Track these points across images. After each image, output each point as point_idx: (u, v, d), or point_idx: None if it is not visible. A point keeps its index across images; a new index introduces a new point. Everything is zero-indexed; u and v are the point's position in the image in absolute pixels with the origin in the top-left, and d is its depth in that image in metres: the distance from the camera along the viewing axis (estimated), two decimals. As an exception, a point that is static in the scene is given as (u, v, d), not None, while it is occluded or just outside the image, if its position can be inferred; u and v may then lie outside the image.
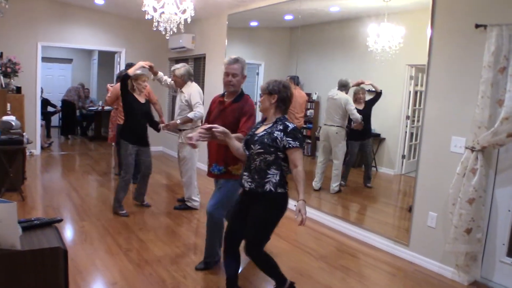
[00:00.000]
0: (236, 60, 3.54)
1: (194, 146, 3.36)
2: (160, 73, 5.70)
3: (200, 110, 5.24)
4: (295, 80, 6.26)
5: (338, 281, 3.78)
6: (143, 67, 5.21)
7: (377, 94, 5.34)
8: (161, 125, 5.45)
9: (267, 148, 2.92)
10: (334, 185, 5.78)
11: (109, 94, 6.53)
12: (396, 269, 4.13)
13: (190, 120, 5.28)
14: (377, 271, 4.07)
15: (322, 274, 3.91)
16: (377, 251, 4.55)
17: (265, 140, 2.93)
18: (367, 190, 5.71)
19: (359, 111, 5.53)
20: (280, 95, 3.00)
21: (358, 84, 5.51)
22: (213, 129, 3.02)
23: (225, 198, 3.66)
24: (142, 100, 5.23)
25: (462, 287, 3.80)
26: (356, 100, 5.54)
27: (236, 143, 3.13)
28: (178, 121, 5.29)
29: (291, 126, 2.95)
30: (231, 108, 3.57)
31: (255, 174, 2.98)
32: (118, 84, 5.54)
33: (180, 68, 5.40)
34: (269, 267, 3.13)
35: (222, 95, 3.72)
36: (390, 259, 4.37)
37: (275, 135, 2.93)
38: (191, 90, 5.37)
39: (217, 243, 3.82)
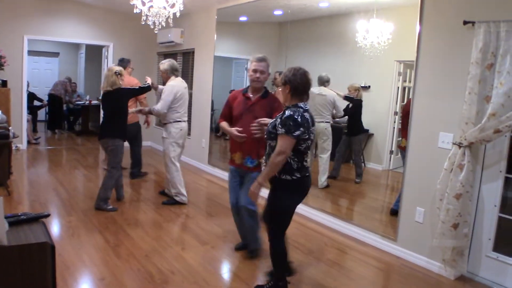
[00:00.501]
0: (264, 59, 3.79)
1: (243, 137, 3.75)
2: (160, 86, 5.82)
3: (158, 106, 5.35)
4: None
5: (325, 276, 3.80)
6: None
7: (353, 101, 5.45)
8: (133, 109, 5.71)
9: (269, 134, 3.12)
10: (323, 180, 5.80)
11: None
12: (384, 263, 4.16)
13: (150, 112, 5.52)
14: (364, 266, 4.10)
15: (309, 268, 3.93)
16: (365, 246, 4.58)
17: (269, 126, 3.15)
18: (356, 185, 5.73)
19: (348, 107, 5.55)
20: (292, 84, 3.07)
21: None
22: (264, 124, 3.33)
23: None
24: None
25: (448, 281, 3.84)
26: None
27: None
28: (146, 109, 5.58)
29: (287, 113, 3.01)
30: (260, 104, 3.80)
31: (267, 159, 3.16)
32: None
33: (164, 63, 5.52)
34: (276, 255, 3.27)
35: (245, 91, 3.90)
36: (378, 254, 4.40)
37: (276, 121, 3.08)
38: (169, 84, 5.47)
39: (259, 230, 4.03)
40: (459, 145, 3.68)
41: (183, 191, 5.62)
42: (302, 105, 3.07)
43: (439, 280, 3.87)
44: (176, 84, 5.45)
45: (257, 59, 3.78)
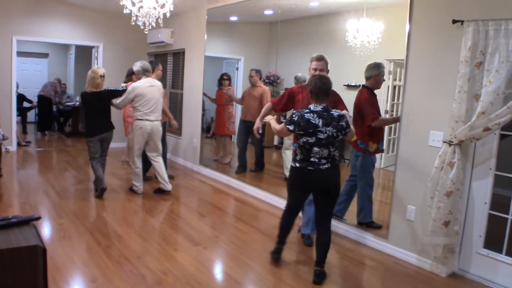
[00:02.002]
0: (322, 58, 4.18)
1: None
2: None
3: (116, 101, 5.79)
4: (260, 73, 6.40)
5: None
6: None
7: None
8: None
9: None
10: None
11: None
12: (376, 262, 4.18)
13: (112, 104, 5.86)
14: (356, 264, 4.11)
15: (302, 267, 3.93)
16: (356, 245, 4.59)
17: None
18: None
19: None
20: (309, 88, 3.59)
21: None
22: None
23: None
24: None
25: (440, 278, 3.87)
26: None
27: None
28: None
29: (295, 111, 3.61)
30: None
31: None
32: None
33: (136, 65, 5.85)
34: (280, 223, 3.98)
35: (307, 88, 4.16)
36: (369, 252, 4.41)
37: None
38: (132, 84, 5.83)
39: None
40: (449, 143, 3.70)
41: (138, 183, 6.02)
42: (312, 107, 3.52)
43: (430, 277, 3.89)
44: (139, 84, 5.71)
45: (316, 58, 4.18)
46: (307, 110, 3.50)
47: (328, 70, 4.20)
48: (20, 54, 9.86)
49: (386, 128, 5.12)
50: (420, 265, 4.08)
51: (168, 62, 9.07)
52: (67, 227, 4.60)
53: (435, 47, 3.93)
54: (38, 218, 2.51)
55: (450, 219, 3.75)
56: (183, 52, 8.41)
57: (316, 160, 3.50)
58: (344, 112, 3.65)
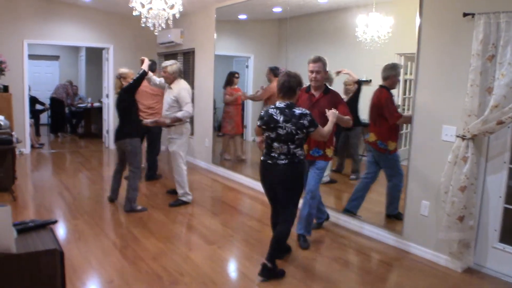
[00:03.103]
0: (319, 59, 4.20)
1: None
2: (150, 73, 5.67)
3: (189, 109, 5.30)
4: (274, 71, 6.33)
5: (332, 271, 3.81)
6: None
7: (357, 85, 5.36)
8: (149, 121, 5.50)
9: None
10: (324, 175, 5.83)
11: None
12: (390, 258, 4.17)
13: (179, 120, 5.32)
14: (372, 261, 4.11)
15: (318, 266, 3.94)
16: (370, 241, 4.58)
17: None
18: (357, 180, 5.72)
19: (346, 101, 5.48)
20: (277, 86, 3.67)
21: (338, 73, 5.50)
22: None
23: (321, 176, 4.39)
24: None
25: (456, 274, 3.85)
26: (346, 91, 5.51)
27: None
28: (168, 121, 5.33)
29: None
30: (324, 99, 4.22)
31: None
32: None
33: (173, 65, 5.43)
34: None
35: (308, 90, 4.34)
36: (384, 248, 4.40)
37: None
38: (181, 87, 5.38)
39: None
40: (463, 138, 3.67)
41: (188, 191, 5.64)
42: (277, 103, 3.60)
43: (446, 272, 3.87)
44: (187, 86, 5.50)
45: (312, 60, 4.21)
46: (273, 106, 3.60)
47: (327, 71, 4.27)
48: (31, 57, 9.95)
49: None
50: (435, 261, 4.06)
51: (178, 62, 9.07)
52: (82, 228, 4.64)
53: (446, 41, 3.90)
54: (55, 222, 2.55)
55: (464, 214, 3.72)
56: (193, 52, 8.43)
57: (276, 155, 3.59)
58: (307, 111, 3.58)
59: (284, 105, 3.55)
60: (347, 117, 4.11)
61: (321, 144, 4.23)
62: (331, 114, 3.90)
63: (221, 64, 7.76)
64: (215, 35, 7.54)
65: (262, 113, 3.65)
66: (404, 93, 4.99)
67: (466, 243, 3.83)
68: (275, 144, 3.57)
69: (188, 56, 8.74)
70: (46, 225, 2.48)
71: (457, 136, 3.74)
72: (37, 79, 12.86)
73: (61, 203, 5.51)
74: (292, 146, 3.54)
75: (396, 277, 3.81)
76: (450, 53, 3.87)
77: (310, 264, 3.96)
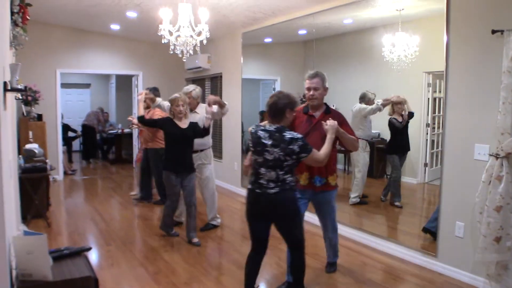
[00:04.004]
0: (316, 75, 3.77)
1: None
2: (158, 99, 5.65)
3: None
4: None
5: (367, 296, 3.74)
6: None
7: (410, 115, 5.24)
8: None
9: None
10: (353, 196, 5.74)
11: None
12: (426, 281, 4.07)
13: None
14: (406, 284, 4.01)
15: (350, 289, 3.88)
16: (405, 264, 4.49)
17: None
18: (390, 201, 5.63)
19: (399, 123, 5.40)
20: None
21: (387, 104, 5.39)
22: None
23: (335, 208, 4.08)
24: (183, 125, 4.96)
25: (495, 297, 3.73)
26: (394, 111, 5.39)
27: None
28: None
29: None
30: (326, 120, 3.63)
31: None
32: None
33: (196, 90, 5.45)
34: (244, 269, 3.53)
35: (306, 110, 3.87)
36: (418, 271, 4.30)
37: None
38: (202, 110, 5.34)
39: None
40: (496, 156, 3.59)
41: (218, 214, 5.67)
42: (267, 125, 3.27)
43: (484, 296, 3.75)
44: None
45: (308, 76, 3.79)
46: (262, 127, 3.28)
47: (327, 88, 3.83)
48: (63, 85, 10.24)
49: (428, 141, 5.03)
50: (472, 283, 3.94)
51: (206, 87, 9.21)
52: (115, 254, 4.69)
53: (475, 58, 3.86)
54: (89, 249, 2.59)
55: (501, 234, 3.62)
56: (221, 76, 8.55)
57: (265, 183, 3.21)
58: (299, 135, 3.22)
59: (274, 128, 3.21)
60: (352, 136, 3.75)
61: (323, 171, 3.77)
62: (330, 127, 3.51)
63: (248, 87, 7.83)
64: (241, 59, 7.64)
65: (252, 131, 3.34)
66: (434, 112, 4.93)
67: (504, 264, 3.71)
68: (262, 170, 3.22)
69: (215, 81, 8.86)
70: (80, 252, 2.53)
71: (490, 155, 3.66)
72: (69, 107, 13.20)
73: (94, 229, 5.59)
74: (281, 173, 3.18)
75: (432, 300, 3.71)
76: (480, 70, 3.82)
77: (341, 287, 3.90)
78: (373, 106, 5.43)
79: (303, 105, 3.95)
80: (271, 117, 3.27)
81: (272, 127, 3.23)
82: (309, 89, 3.77)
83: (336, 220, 4.13)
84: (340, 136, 3.61)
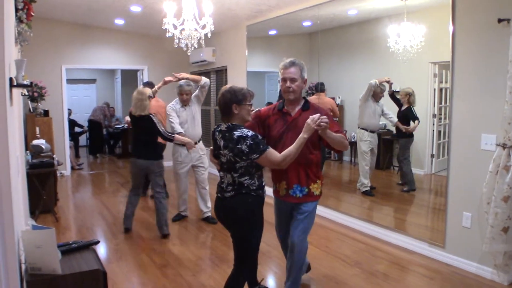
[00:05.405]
0: (292, 63, 3.18)
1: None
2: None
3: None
4: (318, 87, 6.18)
5: (374, 287, 3.74)
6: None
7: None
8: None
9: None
10: (358, 184, 5.82)
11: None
12: (433, 272, 4.07)
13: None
14: (414, 275, 4.02)
15: (357, 281, 3.88)
16: (412, 255, 4.49)
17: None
18: (398, 192, 5.63)
19: (401, 111, 5.41)
20: None
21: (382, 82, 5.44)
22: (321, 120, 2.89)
23: (311, 224, 3.36)
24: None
25: (502, 287, 3.72)
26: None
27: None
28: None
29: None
30: (304, 118, 3.03)
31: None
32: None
33: (193, 86, 5.54)
34: None
35: (281, 107, 3.32)
36: (426, 262, 4.30)
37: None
38: (193, 101, 5.56)
39: (303, 269, 3.53)
40: (503, 146, 3.57)
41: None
42: (221, 125, 2.96)
43: (492, 286, 3.75)
44: None
45: (284, 65, 3.20)
46: (219, 128, 2.97)
47: (306, 79, 3.24)
48: (69, 81, 10.29)
49: (435, 132, 5.01)
50: (480, 274, 3.94)
51: (211, 80, 9.21)
52: (123, 247, 4.72)
53: (481, 47, 3.83)
54: (97, 243, 2.61)
55: (509, 225, 3.61)
56: (226, 69, 8.55)
57: (224, 187, 2.95)
58: (250, 133, 2.82)
59: (226, 127, 2.90)
60: (339, 134, 3.14)
61: (303, 178, 3.23)
62: (306, 124, 2.91)
63: (253, 80, 7.82)
64: (246, 52, 7.63)
65: (212, 131, 3.04)
66: (440, 102, 4.91)
67: (512, 254, 3.71)
68: (221, 173, 2.99)
69: (220, 74, 8.85)
70: (88, 246, 2.55)
71: (497, 145, 3.65)
72: (76, 103, 13.24)
73: (102, 223, 5.62)
74: (235, 175, 2.87)
75: (440, 291, 3.71)
76: (486, 60, 3.79)
77: (351, 280, 3.90)
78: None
79: (278, 101, 3.46)
80: (222, 116, 2.97)
81: (224, 126, 2.92)
82: (284, 80, 3.19)
83: (306, 239, 3.36)
84: (324, 136, 3.04)
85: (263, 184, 3.02)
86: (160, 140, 5.05)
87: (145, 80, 9.56)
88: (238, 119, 2.91)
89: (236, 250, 3.06)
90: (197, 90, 5.52)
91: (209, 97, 9.11)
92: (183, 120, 5.41)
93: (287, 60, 3.20)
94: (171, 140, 5.03)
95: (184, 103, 5.45)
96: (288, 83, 3.18)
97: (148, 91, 5.08)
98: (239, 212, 2.91)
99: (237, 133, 2.79)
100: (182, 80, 5.46)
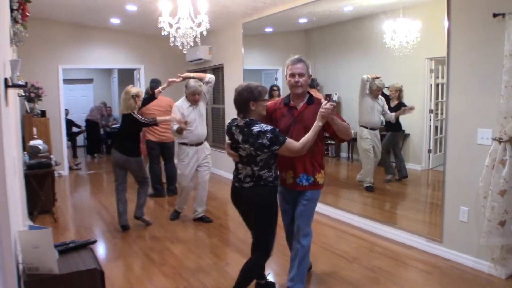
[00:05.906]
0: (300, 60, 3.36)
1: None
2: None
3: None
4: (312, 82, 6.21)
5: (372, 283, 3.75)
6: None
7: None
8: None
9: None
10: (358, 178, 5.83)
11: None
12: (431, 266, 4.08)
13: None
14: (411, 270, 4.03)
15: (356, 276, 3.89)
16: (410, 249, 4.50)
17: None
18: (396, 187, 5.64)
19: (391, 108, 5.46)
20: None
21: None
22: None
23: (313, 211, 3.50)
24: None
25: (499, 281, 3.73)
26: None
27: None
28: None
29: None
30: (309, 111, 3.33)
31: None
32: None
33: (202, 85, 5.44)
34: None
35: (287, 101, 3.48)
36: (424, 256, 4.32)
37: None
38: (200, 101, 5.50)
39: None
40: (499, 141, 3.59)
41: None
42: (238, 120, 3.18)
43: (490, 280, 3.76)
44: None
45: (292, 61, 3.37)
46: (235, 123, 3.20)
47: (310, 75, 3.44)
48: (66, 81, 10.25)
49: (432, 127, 5.01)
50: (478, 268, 3.95)
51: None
52: (121, 247, 4.73)
53: (476, 42, 3.84)
54: (94, 242, 2.61)
55: (505, 218, 3.62)
56: (222, 67, 8.54)
57: (242, 177, 3.20)
58: (269, 127, 3.04)
59: (243, 123, 3.11)
60: (344, 123, 3.33)
61: (309, 168, 3.37)
62: (325, 110, 3.09)
63: (250, 78, 7.80)
64: (242, 49, 7.62)
65: (227, 125, 3.28)
66: (437, 98, 4.92)
67: (509, 248, 3.72)
68: (240, 165, 3.23)
69: (217, 72, 8.84)
70: (86, 245, 2.55)
71: (494, 139, 3.66)
72: (73, 103, 13.22)
73: (100, 222, 5.63)
74: (256, 168, 3.11)
75: (438, 285, 3.72)
76: (482, 55, 3.80)
77: (347, 274, 3.91)
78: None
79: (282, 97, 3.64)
80: (238, 113, 3.18)
81: (242, 122, 3.13)
82: (293, 75, 3.35)
83: (310, 225, 3.48)
84: (332, 123, 3.19)
85: (278, 174, 3.27)
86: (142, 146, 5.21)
87: (143, 80, 9.59)
88: (255, 114, 3.14)
89: (252, 236, 3.30)
90: (204, 87, 5.47)
91: (218, 95, 9.03)
92: (192, 119, 5.34)
93: (294, 56, 3.40)
94: (155, 123, 5.22)
95: (194, 103, 5.40)
96: (296, 78, 3.35)
97: (133, 90, 5.14)
98: (258, 202, 3.15)
99: (256, 128, 3.02)
100: (191, 80, 5.40)
